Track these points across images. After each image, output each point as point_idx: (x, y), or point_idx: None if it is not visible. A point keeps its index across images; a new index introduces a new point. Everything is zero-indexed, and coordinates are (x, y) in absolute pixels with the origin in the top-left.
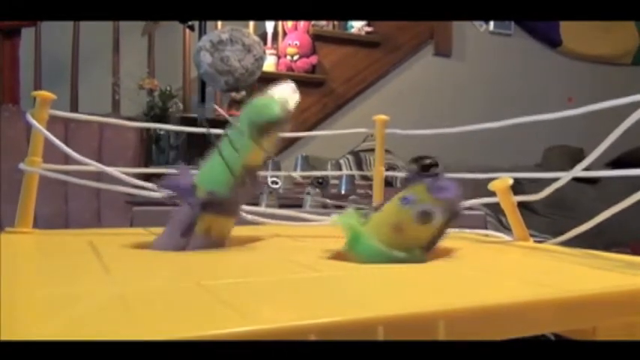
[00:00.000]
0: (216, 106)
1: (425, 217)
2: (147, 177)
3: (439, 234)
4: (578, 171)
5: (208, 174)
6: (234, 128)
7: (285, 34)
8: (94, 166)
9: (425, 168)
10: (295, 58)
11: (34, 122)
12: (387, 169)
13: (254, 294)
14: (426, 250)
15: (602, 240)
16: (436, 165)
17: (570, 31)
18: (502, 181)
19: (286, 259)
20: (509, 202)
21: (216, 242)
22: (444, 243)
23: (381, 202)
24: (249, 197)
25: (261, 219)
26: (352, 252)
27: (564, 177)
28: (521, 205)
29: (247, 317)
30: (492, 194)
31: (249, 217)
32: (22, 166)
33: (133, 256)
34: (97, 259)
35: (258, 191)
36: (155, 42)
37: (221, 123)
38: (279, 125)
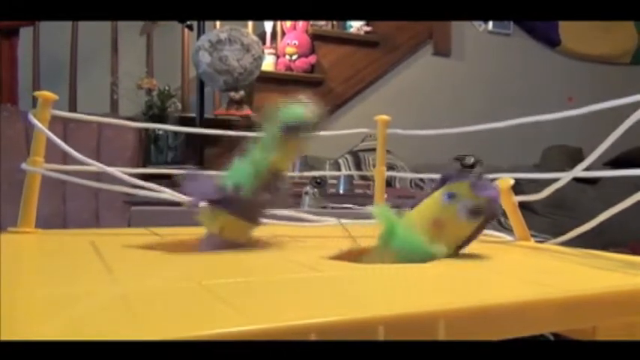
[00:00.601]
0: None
1: (475, 213)
2: (145, 177)
3: (476, 232)
4: (578, 171)
5: (233, 175)
6: (265, 132)
7: (283, 33)
8: (95, 165)
9: (467, 167)
10: (294, 57)
11: (36, 122)
12: (387, 169)
13: (255, 294)
14: (459, 248)
15: (601, 240)
16: (478, 163)
17: (569, 30)
18: (503, 182)
19: (287, 259)
20: (510, 203)
21: (230, 245)
22: None
23: (417, 200)
24: (272, 205)
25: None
26: (388, 246)
27: (564, 177)
28: (521, 205)
29: (248, 317)
30: None
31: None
32: (24, 166)
33: (134, 256)
34: (99, 259)
35: (283, 204)
36: (154, 41)
37: (221, 122)
38: (307, 129)
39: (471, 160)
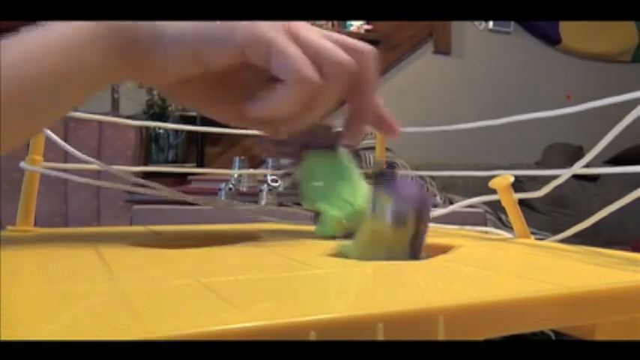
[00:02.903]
0: None
1: (399, 217)
2: (146, 175)
3: (417, 232)
4: (577, 168)
5: None
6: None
7: None
8: (96, 164)
9: (379, 175)
10: None
11: None
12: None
13: (254, 291)
14: (414, 249)
15: (602, 238)
16: (391, 166)
17: (570, 29)
18: (503, 179)
19: (286, 257)
20: (510, 200)
21: None
22: (444, 240)
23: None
24: None
25: (260, 217)
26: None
27: (564, 174)
28: (521, 203)
29: (248, 314)
30: (492, 192)
31: (249, 215)
32: (23, 164)
33: (133, 255)
34: (99, 258)
35: None
36: None
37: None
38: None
39: (381, 168)
